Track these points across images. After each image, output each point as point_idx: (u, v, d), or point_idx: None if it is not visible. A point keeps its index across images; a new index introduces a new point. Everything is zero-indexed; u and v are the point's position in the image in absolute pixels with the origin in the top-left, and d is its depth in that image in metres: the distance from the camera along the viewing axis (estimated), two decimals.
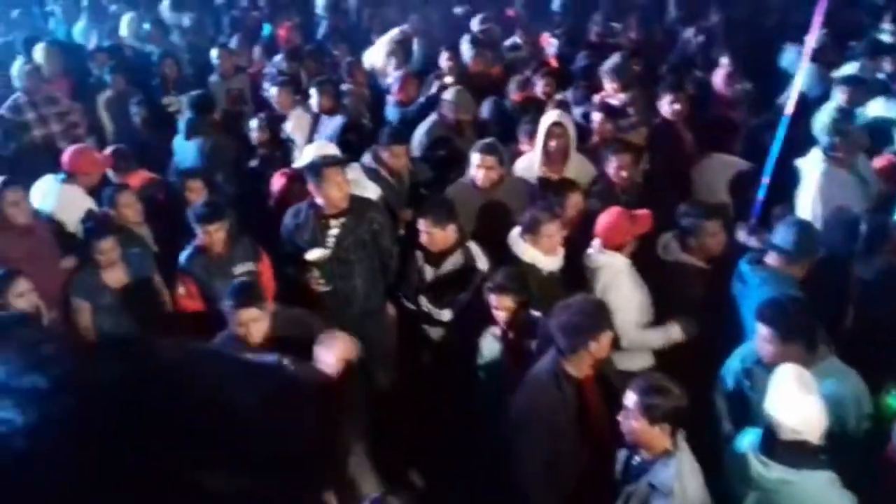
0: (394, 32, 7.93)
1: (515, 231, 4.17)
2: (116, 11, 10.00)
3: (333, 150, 4.88)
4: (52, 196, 4.84)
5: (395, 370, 4.66)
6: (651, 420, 2.78)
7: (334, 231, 4.33)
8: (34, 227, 4.52)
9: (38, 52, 7.25)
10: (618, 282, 3.93)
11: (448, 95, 5.88)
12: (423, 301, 4.30)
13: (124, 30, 9.14)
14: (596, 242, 4.03)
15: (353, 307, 4.43)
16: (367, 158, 5.18)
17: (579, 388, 3.21)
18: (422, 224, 4.17)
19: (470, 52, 7.22)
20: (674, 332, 3.92)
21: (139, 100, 6.48)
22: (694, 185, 5.11)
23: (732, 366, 3.46)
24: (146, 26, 8.95)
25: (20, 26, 9.58)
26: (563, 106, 5.77)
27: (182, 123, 6.05)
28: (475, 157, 4.75)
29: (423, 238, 4.19)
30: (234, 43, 8.40)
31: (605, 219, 4.07)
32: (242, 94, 7.36)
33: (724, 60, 6.82)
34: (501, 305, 3.67)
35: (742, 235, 4.48)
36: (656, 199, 4.51)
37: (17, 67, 6.69)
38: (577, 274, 4.12)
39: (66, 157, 5.10)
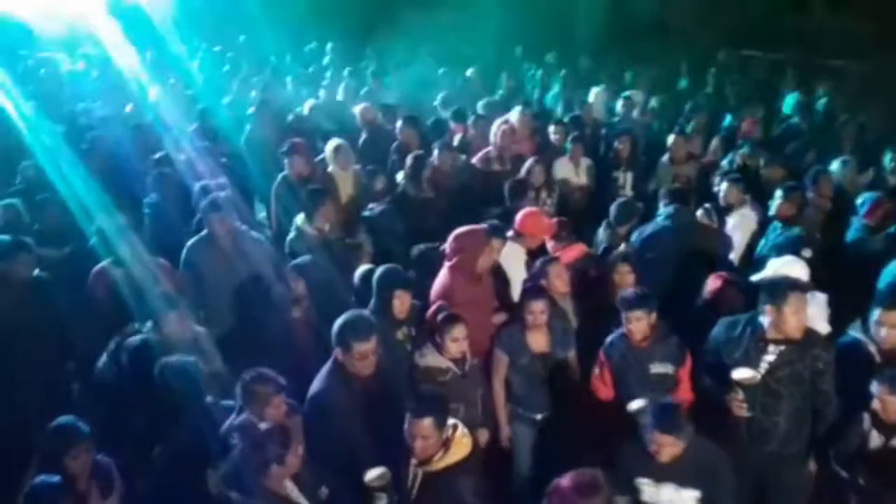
0: None
1: None
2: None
3: (802, 272, 4.35)
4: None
5: None
6: None
7: (770, 357, 3.90)
8: (483, 276, 4.80)
9: (514, 114, 8.06)
10: None
11: None
12: (861, 472, 3.63)
13: (593, 97, 9.72)
14: None
15: (769, 445, 3.95)
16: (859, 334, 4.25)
17: None
18: (876, 388, 3.55)
19: None
20: None
21: None
22: None
23: None
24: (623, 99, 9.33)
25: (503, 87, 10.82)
26: None
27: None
28: None
29: (876, 405, 3.57)
30: (690, 129, 8.34)
31: None
32: (689, 182, 7.22)
33: None
34: None
35: None
36: None
37: (496, 125, 7.52)
38: None
39: (518, 217, 5.45)
